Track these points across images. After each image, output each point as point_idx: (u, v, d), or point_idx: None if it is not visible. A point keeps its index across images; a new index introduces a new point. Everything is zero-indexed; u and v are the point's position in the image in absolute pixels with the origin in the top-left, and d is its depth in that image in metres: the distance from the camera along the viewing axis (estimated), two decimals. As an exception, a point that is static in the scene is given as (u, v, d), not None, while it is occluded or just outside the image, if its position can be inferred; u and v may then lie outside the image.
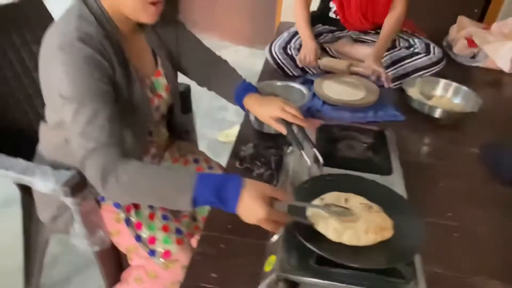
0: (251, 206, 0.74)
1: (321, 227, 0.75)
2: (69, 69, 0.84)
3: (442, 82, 1.53)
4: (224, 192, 0.76)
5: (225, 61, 1.21)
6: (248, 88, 1.11)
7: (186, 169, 0.81)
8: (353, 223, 0.76)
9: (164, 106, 1.13)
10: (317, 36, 1.69)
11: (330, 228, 0.75)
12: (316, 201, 0.82)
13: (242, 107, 1.11)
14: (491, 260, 0.88)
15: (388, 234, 0.76)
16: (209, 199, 0.76)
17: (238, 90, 1.11)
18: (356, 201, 0.82)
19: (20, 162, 1.04)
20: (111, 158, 0.80)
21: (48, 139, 1.10)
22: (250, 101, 1.08)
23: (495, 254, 0.90)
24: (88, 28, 0.87)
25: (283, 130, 1.02)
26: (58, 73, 0.85)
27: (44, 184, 0.98)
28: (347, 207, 0.80)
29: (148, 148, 1.15)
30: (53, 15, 1.31)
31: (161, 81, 1.10)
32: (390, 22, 1.56)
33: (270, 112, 1.03)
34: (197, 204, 0.77)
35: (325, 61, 1.55)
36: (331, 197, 0.82)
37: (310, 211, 0.80)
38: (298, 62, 1.55)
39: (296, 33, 1.65)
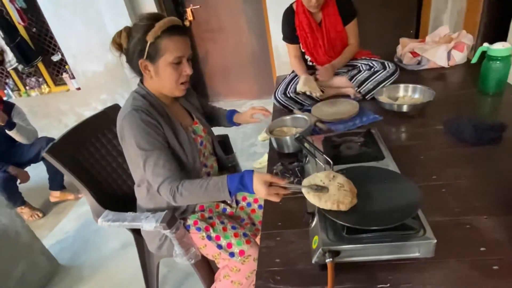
0: (258, 187, 0.85)
1: (304, 191, 0.79)
2: (132, 130, 0.94)
3: (402, 85, 1.51)
4: (244, 180, 0.87)
5: (216, 107, 1.39)
6: (232, 112, 1.32)
7: (218, 177, 0.89)
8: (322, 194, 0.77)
9: (206, 142, 1.18)
10: None
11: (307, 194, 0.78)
12: (308, 179, 0.82)
13: (234, 123, 1.32)
14: (475, 202, 0.85)
15: (343, 206, 0.73)
16: (238, 187, 0.88)
17: (227, 116, 1.32)
18: (340, 179, 0.80)
19: (130, 214, 1.09)
20: (174, 183, 0.92)
21: (139, 195, 1.15)
22: (236, 117, 1.30)
23: (477, 197, 0.87)
24: (138, 103, 0.99)
25: (256, 120, 1.23)
26: (128, 134, 0.95)
27: (149, 225, 1.01)
28: (324, 185, 0.79)
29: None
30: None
31: (199, 127, 1.17)
32: (347, 50, 1.71)
33: (247, 113, 1.25)
34: (232, 193, 0.89)
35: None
36: (322, 174, 0.82)
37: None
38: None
39: (289, 81, 1.69)
